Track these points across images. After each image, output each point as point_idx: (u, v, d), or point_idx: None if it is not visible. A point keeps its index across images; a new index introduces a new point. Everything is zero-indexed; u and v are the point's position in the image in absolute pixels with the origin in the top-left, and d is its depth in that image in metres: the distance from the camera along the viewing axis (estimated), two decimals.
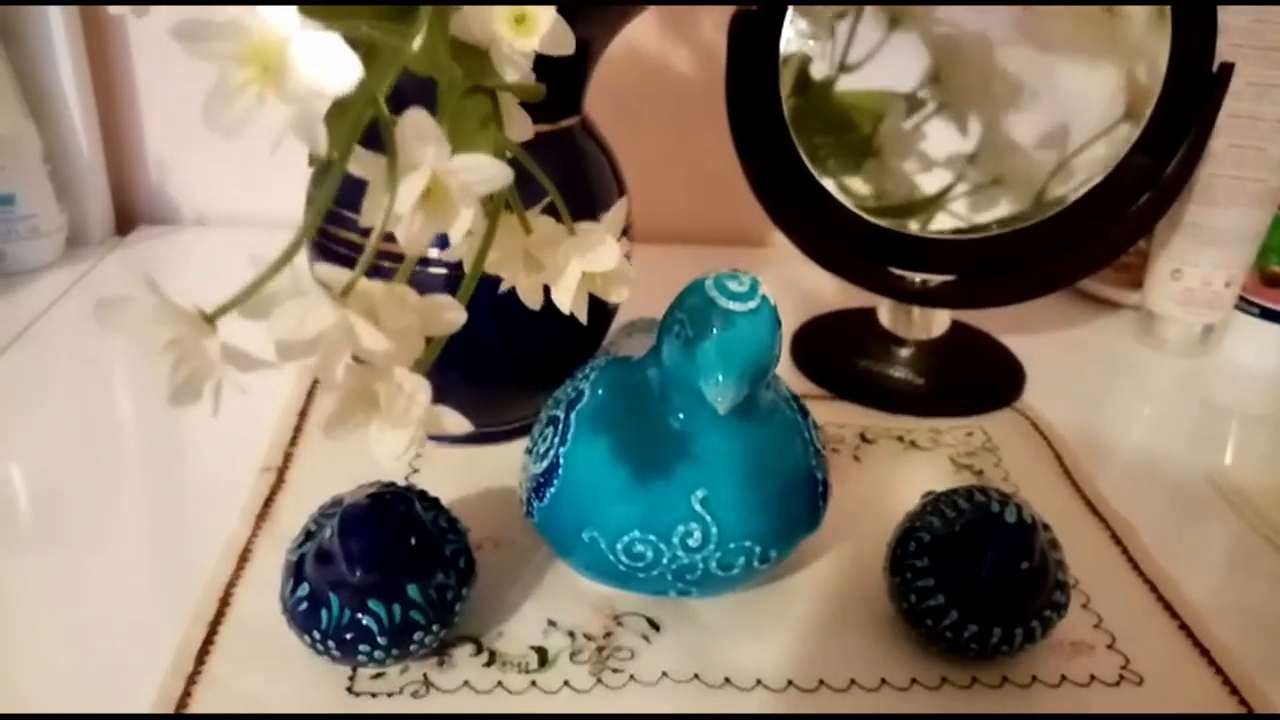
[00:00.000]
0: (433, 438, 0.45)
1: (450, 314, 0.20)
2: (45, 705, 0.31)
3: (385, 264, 0.39)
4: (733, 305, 0.29)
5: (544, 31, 0.21)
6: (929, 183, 0.51)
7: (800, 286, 0.64)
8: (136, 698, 0.31)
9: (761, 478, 0.32)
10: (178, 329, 0.16)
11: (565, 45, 0.22)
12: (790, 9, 0.50)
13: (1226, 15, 0.46)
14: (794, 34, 0.51)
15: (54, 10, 0.58)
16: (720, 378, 0.29)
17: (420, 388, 0.19)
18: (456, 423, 0.20)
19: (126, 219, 0.68)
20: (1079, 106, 0.48)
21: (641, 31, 0.66)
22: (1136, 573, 0.40)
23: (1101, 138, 0.47)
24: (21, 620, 0.34)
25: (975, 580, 0.32)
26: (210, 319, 0.17)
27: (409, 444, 0.19)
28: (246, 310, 0.17)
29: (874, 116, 0.51)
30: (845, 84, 0.51)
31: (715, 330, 0.29)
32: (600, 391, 0.34)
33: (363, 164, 0.19)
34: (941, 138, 0.50)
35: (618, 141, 0.44)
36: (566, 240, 0.24)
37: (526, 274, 0.24)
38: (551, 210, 0.25)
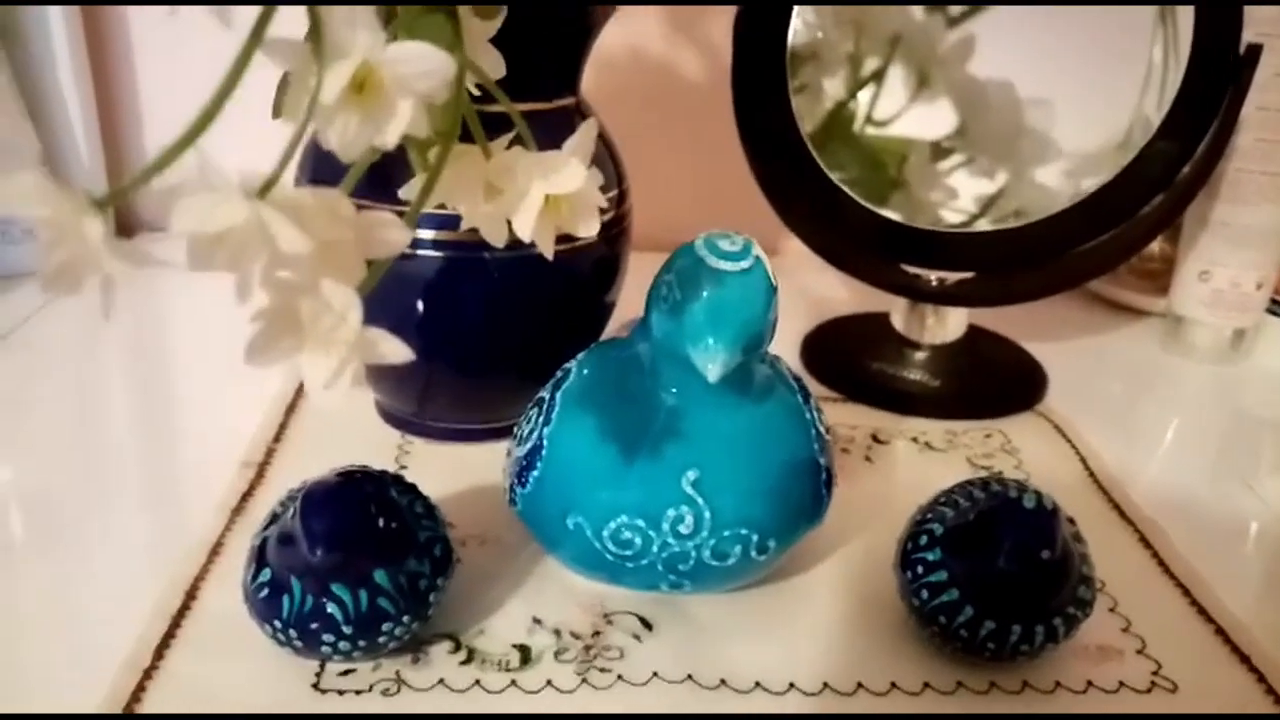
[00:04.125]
0: (420, 434, 0.43)
1: (392, 233, 0.18)
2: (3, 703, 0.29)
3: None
4: (724, 265, 0.27)
5: None
6: (953, 215, 0.49)
7: (812, 294, 0.62)
8: (91, 694, 0.29)
9: (758, 459, 0.30)
10: (56, 207, 0.14)
11: None
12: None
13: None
14: (801, 25, 0.49)
15: (54, 11, 0.57)
16: (710, 341, 0.26)
17: (351, 304, 0.17)
18: (395, 349, 0.17)
19: (126, 226, 0.67)
20: (1104, 109, 0.46)
21: (646, 32, 0.65)
22: (1168, 576, 0.37)
23: (1125, 129, 0.46)
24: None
25: (992, 571, 0.30)
26: (100, 204, 0.15)
27: (339, 369, 0.17)
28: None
29: (899, 158, 0.50)
30: (870, 130, 0.50)
31: (705, 292, 0.27)
32: (587, 371, 0.32)
33: (283, 54, 0.17)
34: (967, 182, 0.49)
35: (621, 146, 0.43)
36: (526, 159, 0.22)
37: (486, 201, 0.22)
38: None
